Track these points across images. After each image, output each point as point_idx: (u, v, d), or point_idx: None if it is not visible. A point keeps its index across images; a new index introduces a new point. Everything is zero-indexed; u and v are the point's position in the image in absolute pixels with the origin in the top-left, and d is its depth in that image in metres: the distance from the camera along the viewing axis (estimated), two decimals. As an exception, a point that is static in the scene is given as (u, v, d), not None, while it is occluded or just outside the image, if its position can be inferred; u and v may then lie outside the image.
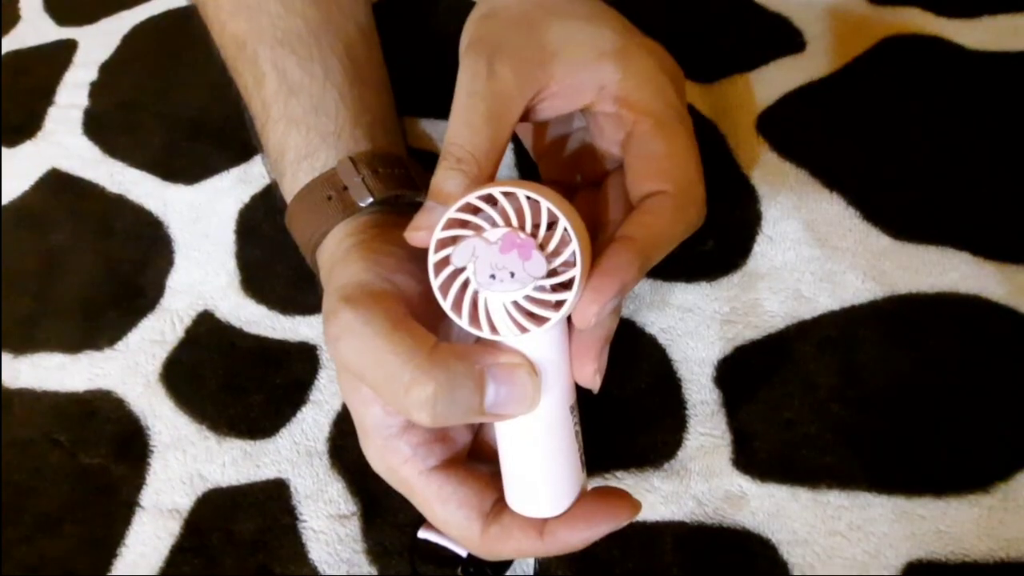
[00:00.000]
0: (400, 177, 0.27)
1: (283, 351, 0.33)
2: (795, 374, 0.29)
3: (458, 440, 0.24)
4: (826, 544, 0.26)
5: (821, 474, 0.27)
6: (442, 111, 0.37)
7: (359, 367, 0.21)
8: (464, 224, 0.21)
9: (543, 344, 0.21)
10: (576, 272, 0.20)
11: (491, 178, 0.23)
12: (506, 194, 0.20)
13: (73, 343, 0.35)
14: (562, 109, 0.25)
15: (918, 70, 0.34)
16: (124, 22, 0.47)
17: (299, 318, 0.34)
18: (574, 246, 0.20)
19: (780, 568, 0.26)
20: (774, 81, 0.35)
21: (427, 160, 0.36)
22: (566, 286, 0.20)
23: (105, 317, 0.36)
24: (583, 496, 0.23)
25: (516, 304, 0.20)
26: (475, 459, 0.25)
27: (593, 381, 0.23)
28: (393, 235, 0.25)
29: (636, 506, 0.23)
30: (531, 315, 0.20)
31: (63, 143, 0.42)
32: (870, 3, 0.37)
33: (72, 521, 0.30)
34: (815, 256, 0.31)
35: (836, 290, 0.30)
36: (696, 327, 0.30)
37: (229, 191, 0.38)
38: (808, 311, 0.30)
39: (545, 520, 0.22)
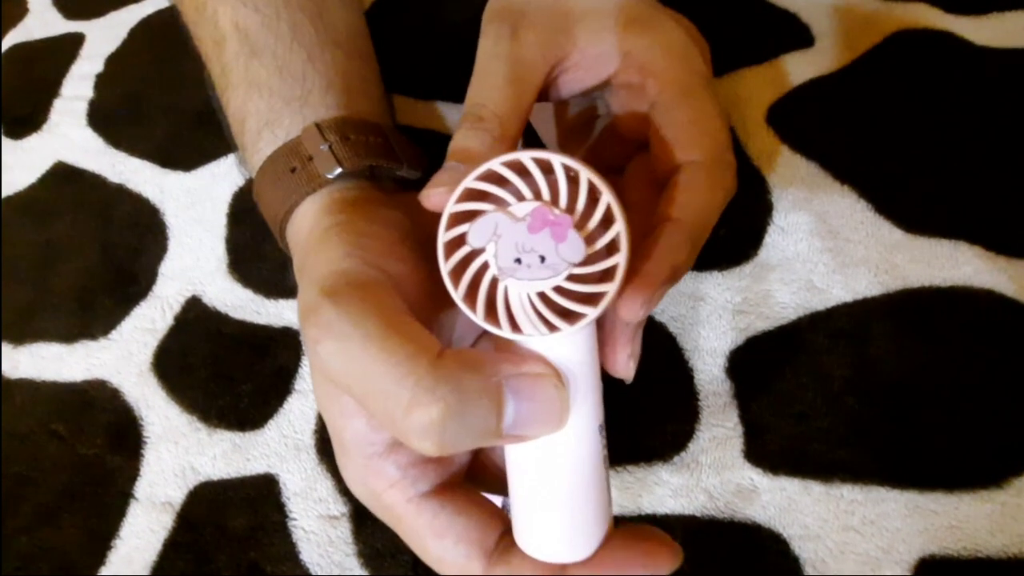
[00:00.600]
0: (376, 146, 0.24)
1: (268, 337, 0.33)
2: (808, 366, 0.28)
3: (455, 459, 0.21)
4: (839, 539, 0.25)
5: (834, 468, 0.26)
6: (454, 95, 0.37)
7: (345, 378, 0.18)
8: (484, 197, 0.17)
9: (572, 347, 0.18)
10: (621, 259, 0.17)
11: (514, 143, 0.21)
12: (537, 161, 0.17)
13: (70, 333, 0.35)
14: (585, 82, 0.24)
15: (927, 65, 0.34)
16: (131, 15, 0.47)
17: (283, 302, 0.34)
18: (619, 227, 0.17)
19: (791, 563, 0.25)
20: (783, 75, 0.35)
21: (437, 140, 0.36)
22: (607, 275, 0.17)
23: (100, 306, 0.35)
24: (610, 537, 0.19)
25: (543, 296, 0.17)
26: (475, 482, 0.22)
27: (627, 369, 0.20)
28: (379, 214, 0.22)
29: (677, 552, 0.19)
30: (561, 310, 0.17)
31: (68, 135, 0.42)
32: (878, -1, 0.37)
33: (70, 512, 0.30)
34: (827, 248, 0.30)
35: (849, 282, 0.30)
36: (707, 316, 0.30)
37: (225, 175, 0.38)
38: (820, 302, 0.29)
39: (564, 565, 0.18)
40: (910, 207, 0.31)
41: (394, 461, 0.19)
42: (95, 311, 0.35)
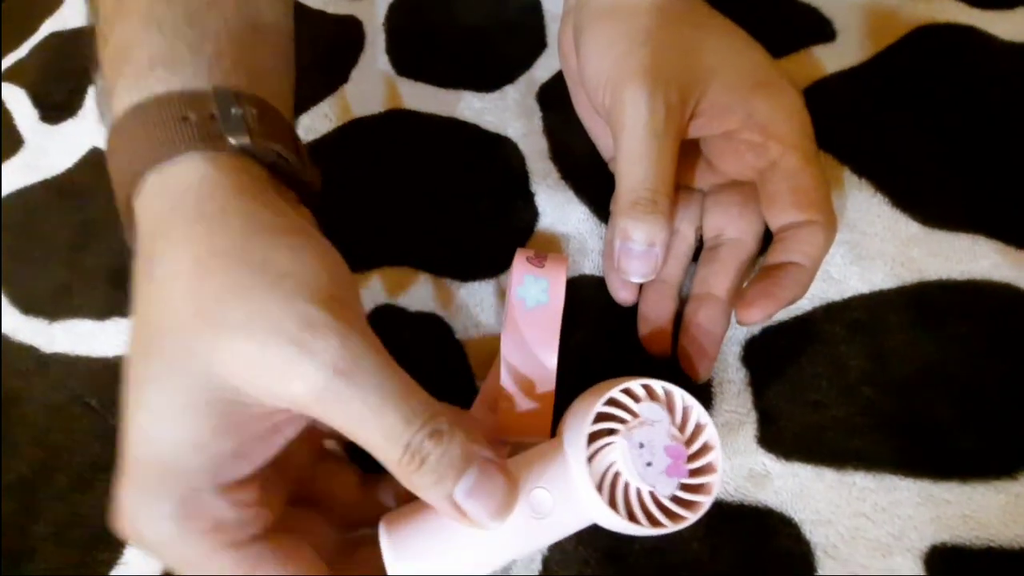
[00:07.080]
0: (288, 138, 0.22)
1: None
2: (824, 356, 0.28)
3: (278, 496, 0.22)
4: (850, 525, 0.26)
5: (848, 456, 0.27)
6: (473, 84, 0.37)
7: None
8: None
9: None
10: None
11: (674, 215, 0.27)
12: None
13: (102, 310, 0.36)
14: (706, 130, 0.27)
15: (950, 60, 0.34)
16: (163, 5, 0.48)
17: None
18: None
19: (803, 547, 0.26)
20: (804, 68, 0.35)
21: (455, 127, 0.36)
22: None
23: (130, 285, 0.36)
24: None
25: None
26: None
27: (707, 373, 0.28)
28: (301, 211, 0.23)
29: None
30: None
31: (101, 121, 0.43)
32: (901, -6, 0.37)
33: (102, 481, 0.31)
34: (844, 239, 0.31)
35: (865, 274, 0.30)
36: (724, 305, 0.30)
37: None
38: (837, 293, 0.30)
39: None
40: (928, 201, 0.31)
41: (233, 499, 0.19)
42: (125, 290, 0.36)
